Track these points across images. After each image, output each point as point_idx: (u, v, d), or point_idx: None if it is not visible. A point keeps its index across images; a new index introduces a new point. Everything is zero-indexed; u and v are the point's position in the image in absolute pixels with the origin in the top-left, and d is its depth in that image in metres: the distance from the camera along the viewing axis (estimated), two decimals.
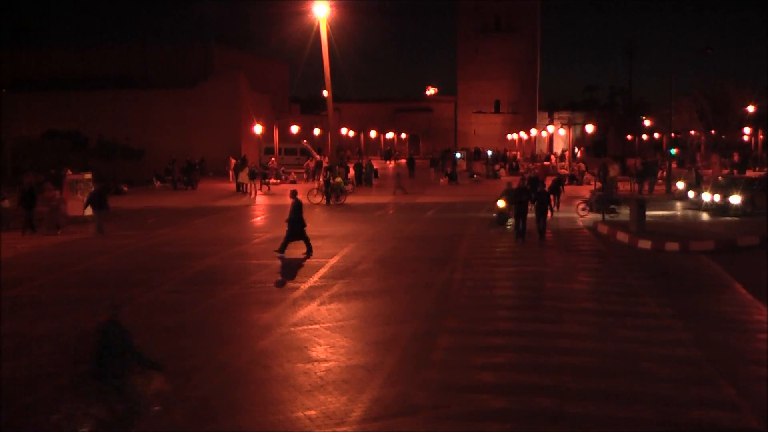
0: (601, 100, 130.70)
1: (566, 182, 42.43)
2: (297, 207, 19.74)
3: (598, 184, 34.37)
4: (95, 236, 23.33)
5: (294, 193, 20.46)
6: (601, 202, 27.14)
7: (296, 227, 19.45)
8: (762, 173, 39.26)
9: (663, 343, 11.22)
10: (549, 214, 21.89)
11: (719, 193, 28.43)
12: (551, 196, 24.06)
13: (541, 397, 8.94)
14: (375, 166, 45.70)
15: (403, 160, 55.69)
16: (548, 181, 30.51)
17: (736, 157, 56.23)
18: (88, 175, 28.74)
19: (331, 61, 40.21)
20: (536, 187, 25.43)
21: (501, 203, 24.40)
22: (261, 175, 42.39)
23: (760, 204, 27.23)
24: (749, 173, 42.33)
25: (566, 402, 8.79)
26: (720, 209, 27.95)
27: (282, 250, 19.10)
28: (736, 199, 27.49)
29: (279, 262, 18.56)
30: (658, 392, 9.10)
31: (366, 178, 45.50)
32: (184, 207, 33.90)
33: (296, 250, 19.56)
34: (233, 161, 48.00)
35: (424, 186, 45.98)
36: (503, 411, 8.59)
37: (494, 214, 25.13)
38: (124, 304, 14.02)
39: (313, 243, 21.76)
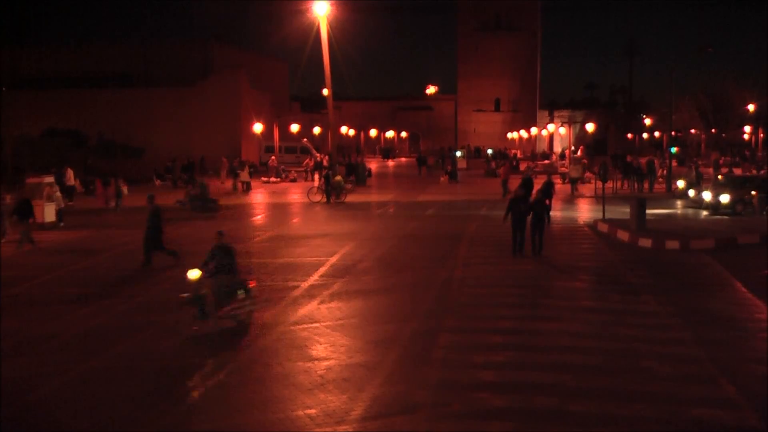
0: (602, 98, 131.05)
1: (565, 182, 42.49)
2: (153, 214, 18.06)
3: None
4: (20, 248, 20.90)
5: (151, 198, 18.67)
6: (195, 200, 29.54)
7: (152, 235, 17.89)
8: (753, 172, 39.30)
9: (663, 342, 11.22)
10: (546, 220, 18.97)
11: (711, 192, 28.58)
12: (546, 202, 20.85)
13: (541, 396, 8.94)
14: (370, 166, 45.86)
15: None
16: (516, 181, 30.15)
17: (747, 154, 56.45)
18: (50, 179, 27.46)
19: (332, 60, 40.23)
20: (531, 190, 24.84)
21: (194, 273, 12.50)
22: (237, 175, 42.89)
23: (753, 203, 27.21)
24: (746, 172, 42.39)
25: (567, 401, 8.79)
26: (712, 208, 28.03)
27: (147, 262, 17.88)
28: (725, 198, 27.53)
29: (279, 261, 18.56)
30: (659, 391, 9.10)
31: (359, 177, 45.38)
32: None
33: (296, 250, 19.44)
34: (226, 161, 48.05)
35: (424, 185, 46.02)
36: (504, 409, 8.59)
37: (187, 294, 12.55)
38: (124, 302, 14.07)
39: (313, 242, 21.82)
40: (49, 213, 25.69)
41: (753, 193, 27.49)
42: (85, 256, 19.83)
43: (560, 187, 38.75)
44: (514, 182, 29.59)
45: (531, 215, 18.75)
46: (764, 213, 26.19)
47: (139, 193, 40.13)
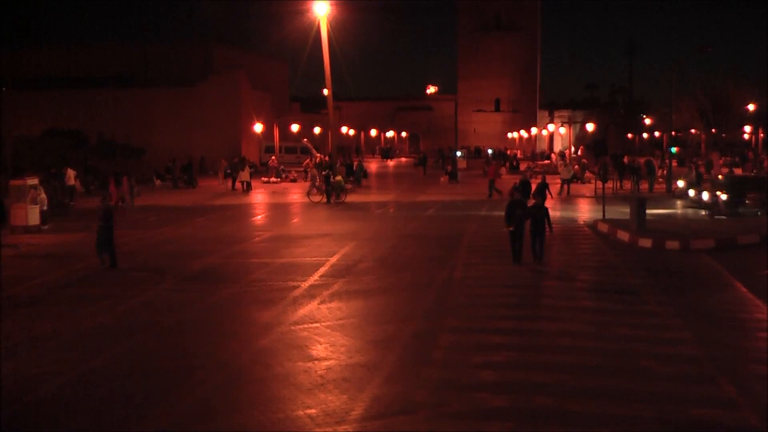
0: (602, 98, 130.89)
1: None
2: (104, 214, 17.77)
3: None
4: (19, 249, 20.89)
5: (103, 198, 18.70)
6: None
7: (104, 236, 17.63)
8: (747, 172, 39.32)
9: (663, 342, 11.21)
10: (547, 231, 17.63)
11: (709, 192, 28.62)
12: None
13: (541, 396, 8.93)
14: (369, 166, 45.89)
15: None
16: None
17: (750, 155, 56.51)
18: (34, 181, 26.25)
19: (332, 60, 40.26)
20: (528, 192, 24.35)
21: None
22: (231, 176, 43.02)
23: (750, 203, 27.18)
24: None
25: (566, 400, 8.79)
26: (709, 208, 27.99)
27: (100, 257, 17.73)
28: (723, 198, 27.51)
29: (279, 261, 18.56)
30: (658, 390, 9.09)
31: (356, 178, 45.37)
32: (185, 205, 33.94)
33: (296, 250, 19.45)
34: (224, 162, 48.09)
35: (424, 185, 46.04)
36: (504, 409, 8.59)
37: None
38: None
39: (313, 242, 21.82)
40: (32, 216, 24.76)
41: (718, 193, 27.63)
42: (82, 259, 19.78)
43: (558, 188, 38.68)
44: (499, 182, 29.31)
45: (530, 221, 17.44)
46: (736, 213, 26.19)
47: (139, 193, 40.17)
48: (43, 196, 25.98)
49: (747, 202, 26.89)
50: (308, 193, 35.74)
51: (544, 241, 17.64)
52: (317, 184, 36.46)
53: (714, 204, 27.44)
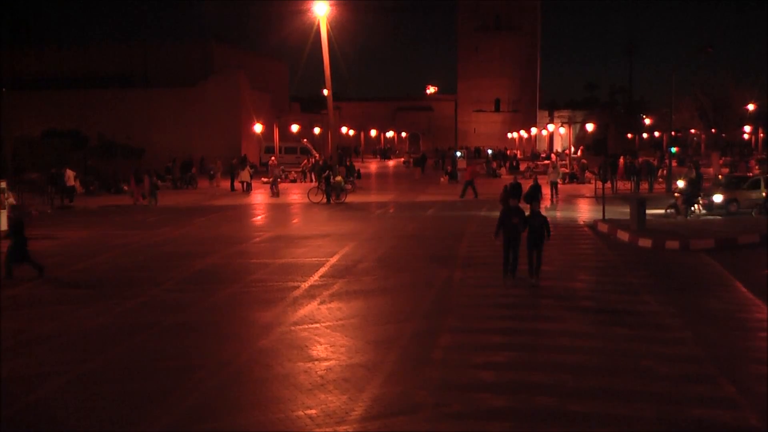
0: (602, 98, 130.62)
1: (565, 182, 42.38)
2: (15, 225, 17.03)
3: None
4: None
5: (15, 209, 17.77)
6: None
7: (16, 247, 16.63)
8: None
9: (663, 342, 11.22)
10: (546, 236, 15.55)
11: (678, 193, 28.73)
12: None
13: (541, 396, 8.94)
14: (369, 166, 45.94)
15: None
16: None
17: (756, 158, 56.85)
18: (2, 184, 24.62)
19: (331, 60, 40.23)
20: (520, 195, 23.73)
21: None
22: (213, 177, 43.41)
23: (746, 204, 27.18)
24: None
25: (566, 400, 8.79)
26: (706, 207, 27.96)
27: (8, 272, 16.48)
28: (718, 198, 27.50)
29: (279, 262, 18.56)
30: (658, 390, 9.10)
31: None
32: (185, 206, 33.94)
33: (296, 250, 19.40)
34: (220, 164, 48.06)
35: (424, 185, 46.05)
36: (504, 410, 8.59)
37: None
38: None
39: (313, 242, 21.81)
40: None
41: (676, 195, 27.66)
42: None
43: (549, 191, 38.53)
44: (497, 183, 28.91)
45: (527, 230, 15.59)
46: (689, 216, 26.24)
47: None
48: (12, 200, 25.19)
49: (699, 201, 27.19)
50: (272, 191, 36.72)
51: (542, 254, 15.65)
52: (277, 184, 38.59)
53: (674, 205, 27.45)
